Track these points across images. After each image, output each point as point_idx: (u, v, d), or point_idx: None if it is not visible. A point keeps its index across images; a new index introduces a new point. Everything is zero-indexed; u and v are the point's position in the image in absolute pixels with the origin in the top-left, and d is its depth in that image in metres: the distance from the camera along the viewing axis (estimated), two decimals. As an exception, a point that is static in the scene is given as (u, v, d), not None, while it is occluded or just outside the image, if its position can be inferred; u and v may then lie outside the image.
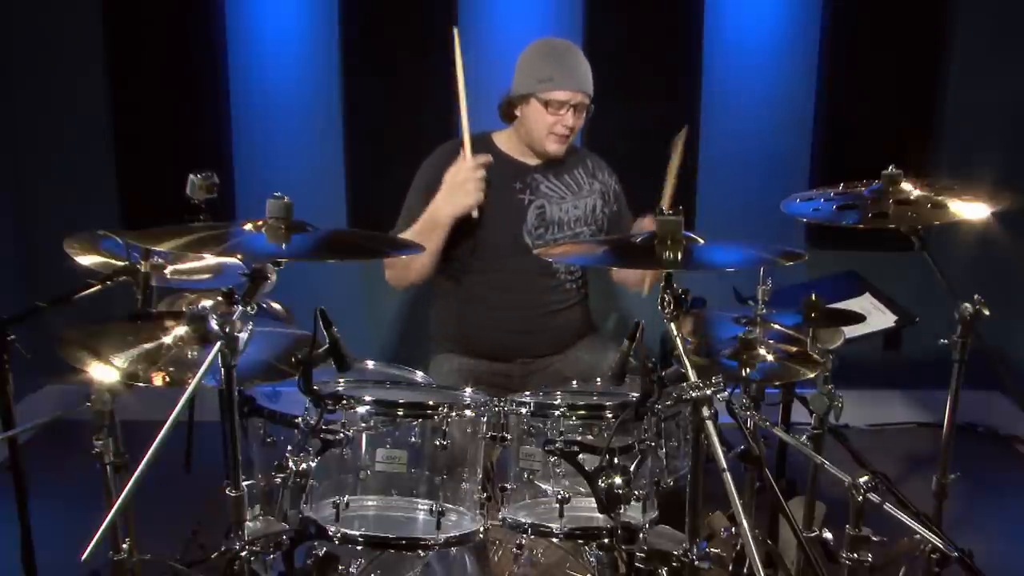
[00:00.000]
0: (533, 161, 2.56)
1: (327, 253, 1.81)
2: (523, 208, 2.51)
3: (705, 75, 3.57)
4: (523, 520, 1.77)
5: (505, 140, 2.59)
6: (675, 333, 1.51)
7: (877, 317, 2.70)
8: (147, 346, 1.78)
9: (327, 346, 1.67)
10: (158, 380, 1.72)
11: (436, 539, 1.71)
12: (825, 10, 3.55)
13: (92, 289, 1.99)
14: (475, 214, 2.40)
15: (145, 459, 1.29)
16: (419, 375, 2.12)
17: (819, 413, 2.03)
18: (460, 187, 2.38)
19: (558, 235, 2.55)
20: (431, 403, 1.78)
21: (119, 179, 3.62)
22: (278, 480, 1.71)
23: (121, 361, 1.73)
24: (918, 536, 1.86)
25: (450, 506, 1.78)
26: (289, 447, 1.74)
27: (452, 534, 1.73)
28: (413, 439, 1.76)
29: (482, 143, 2.59)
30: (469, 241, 2.50)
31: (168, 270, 2.13)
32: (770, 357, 1.97)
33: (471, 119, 2.49)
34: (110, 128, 3.58)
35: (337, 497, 1.73)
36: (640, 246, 1.63)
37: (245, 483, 1.53)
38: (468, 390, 1.98)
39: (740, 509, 1.37)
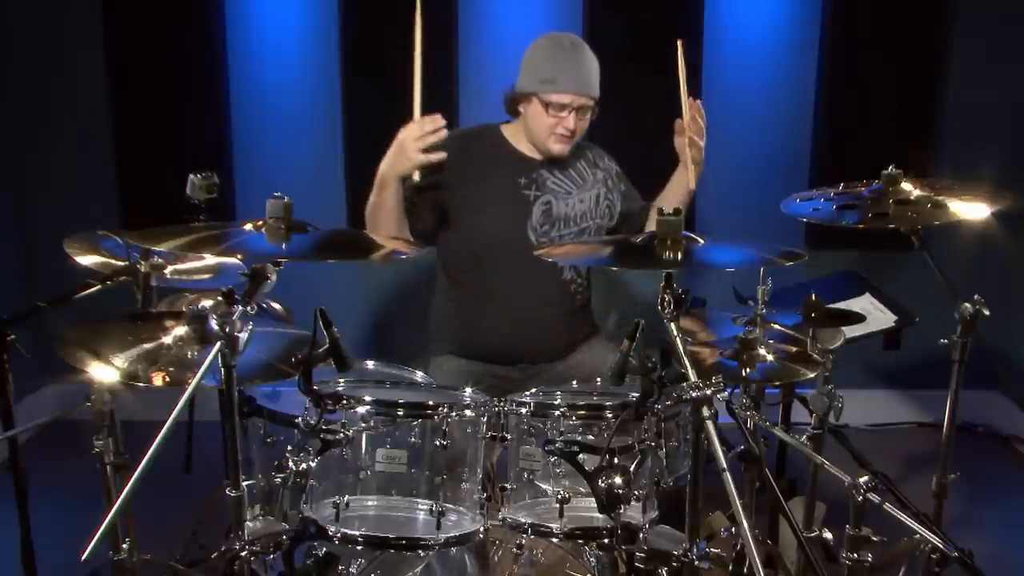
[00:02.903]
0: (539, 155, 2.53)
1: (327, 253, 1.81)
2: (528, 204, 2.49)
3: (705, 75, 3.56)
4: (523, 520, 1.77)
5: (513, 133, 2.55)
6: (675, 333, 1.51)
7: (877, 317, 2.70)
8: (147, 346, 1.78)
9: (327, 346, 1.67)
10: (158, 380, 1.72)
11: (436, 539, 1.71)
12: (825, 10, 3.55)
13: (92, 289, 1.99)
14: (416, 176, 2.30)
15: (145, 459, 1.29)
16: (419, 375, 2.11)
17: (819, 413, 2.03)
18: (401, 154, 2.28)
19: (564, 231, 2.51)
20: (431, 403, 1.78)
21: (119, 179, 3.62)
22: (278, 480, 1.71)
23: (121, 361, 1.73)
24: (918, 536, 1.86)
25: (450, 506, 1.78)
26: (289, 447, 1.74)
27: (452, 534, 1.73)
28: (413, 439, 1.76)
29: (491, 134, 2.57)
30: (470, 238, 2.48)
31: (168, 270, 2.13)
32: (770, 357, 1.97)
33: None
34: (110, 128, 3.58)
35: (337, 497, 1.73)
36: (640, 246, 1.63)
37: (245, 483, 1.53)
38: (468, 390, 1.98)
39: (740, 509, 1.37)
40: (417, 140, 2.25)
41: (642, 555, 1.68)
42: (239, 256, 1.78)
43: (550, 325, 2.53)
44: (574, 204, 2.54)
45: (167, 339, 1.80)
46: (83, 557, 1.23)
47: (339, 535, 1.70)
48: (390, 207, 2.34)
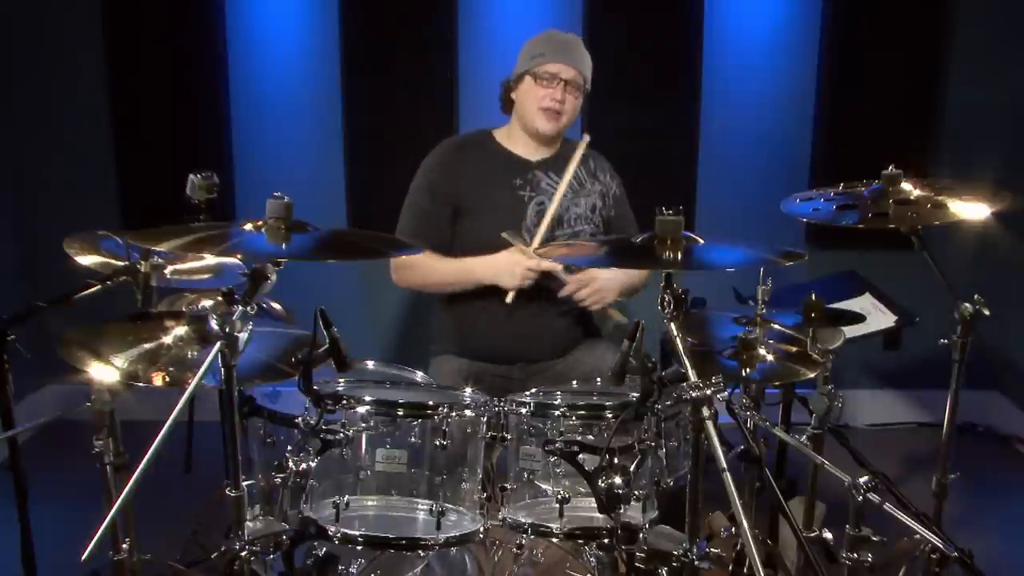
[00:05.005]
0: (534, 157, 2.55)
1: (327, 253, 1.81)
2: (523, 205, 2.50)
3: (705, 75, 3.57)
4: (523, 520, 1.77)
5: (505, 136, 2.58)
6: (675, 333, 1.50)
7: (877, 317, 2.70)
8: (147, 346, 1.78)
9: (327, 346, 1.67)
10: (158, 380, 1.72)
11: (436, 539, 1.71)
12: (825, 10, 3.56)
13: (92, 289, 1.98)
14: (509, 299, 2.41)
15: (145, 459, 1.29)
16: (419, 375, 2.11)
17: (819, 413, 2.03)
18: (510, 272, 2.39)
19: (558, 233, 2.53)
20: (431, 403, 1.78)
21: (119, 179, 3.62)
22: (278, 480, 1.71)
23: (121, 361, 1.73)
24: (918, 536, 1.86)
25: (450, 506, 1.78)
26: (289, 447, 1.74)
27: (452, 534, 1.73)
28: (413, 439, 1.76)
29: (483, 139, 2.59)
30: (467, 238, 2.49)
31: (168, 270, 2.13)
32: (770, 357, 1.97)
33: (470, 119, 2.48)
34: (110, 128, 3.58)
35: (337, 497, 1.73)
36: (640, 246, 1.63)
37: (245, 483, 1.53)
38: (468, 390, 1.98)
39: (740, 509, 1.37)
40: (529, 271, 2.38)
41: (642, 555, 1.68)
42: (239, 256, 1.77)
43: (549, 324, 2.54)
44: (568, 206, 2.54)
45: (167, 339, 1.80)
46: (83, 557, 1.23)
47: (339, 535, 1.69)
48: (454, 289, 2.52)
